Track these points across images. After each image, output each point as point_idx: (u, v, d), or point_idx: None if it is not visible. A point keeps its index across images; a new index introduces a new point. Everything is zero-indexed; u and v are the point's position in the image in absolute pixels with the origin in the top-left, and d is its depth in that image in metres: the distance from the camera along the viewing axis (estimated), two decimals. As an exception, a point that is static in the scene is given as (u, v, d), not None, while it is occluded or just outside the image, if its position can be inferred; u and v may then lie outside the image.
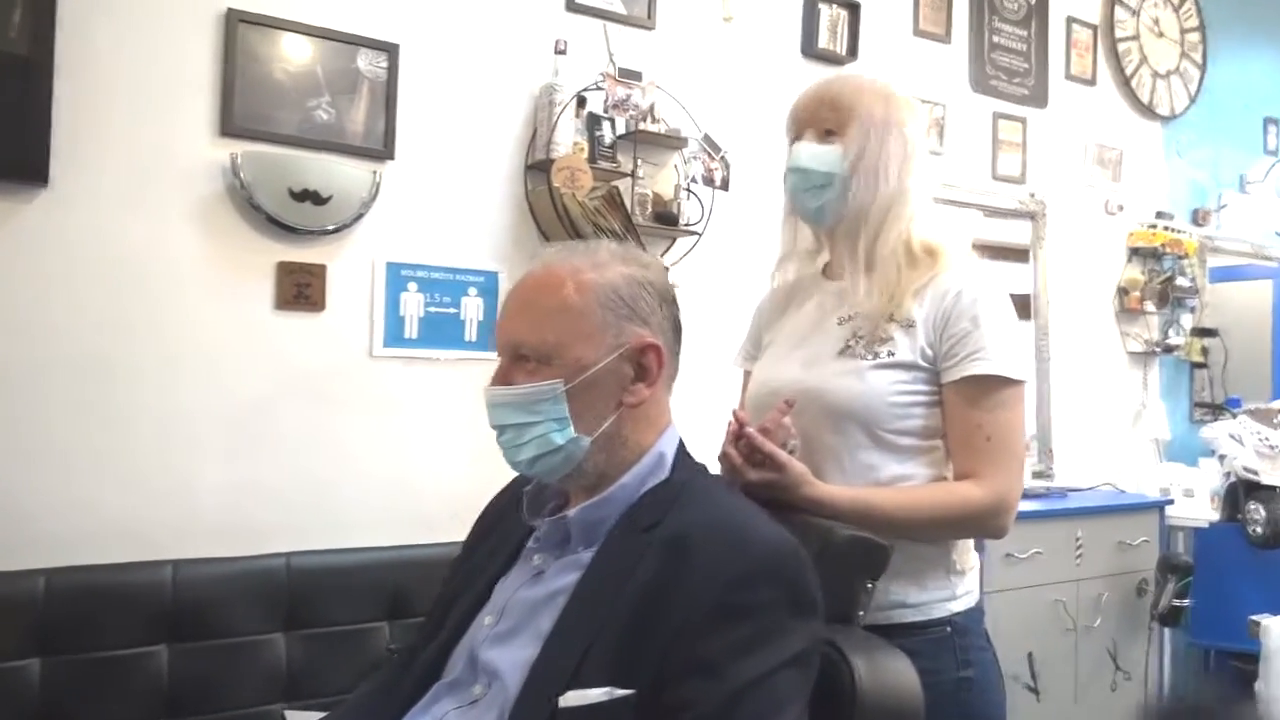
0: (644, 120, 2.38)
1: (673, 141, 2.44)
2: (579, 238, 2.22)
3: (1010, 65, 3.29)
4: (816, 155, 1.33)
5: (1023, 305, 3.34)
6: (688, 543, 0.97)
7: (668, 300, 1.12)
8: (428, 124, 2.21)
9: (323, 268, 2.07)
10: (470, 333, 2.26)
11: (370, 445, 2.13)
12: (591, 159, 2.32)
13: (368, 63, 2.12)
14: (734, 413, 1.31)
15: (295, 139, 2.03)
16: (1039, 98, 3.36)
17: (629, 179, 2.38)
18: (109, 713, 1.80)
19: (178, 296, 1.93)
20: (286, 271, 2.03)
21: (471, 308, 2.26)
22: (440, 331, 2.22)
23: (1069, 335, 3.41)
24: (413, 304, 2.19)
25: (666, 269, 1.20)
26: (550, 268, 1.07)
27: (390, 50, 2.14)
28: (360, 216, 2.09)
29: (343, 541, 2.07)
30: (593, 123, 2.36)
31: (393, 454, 2.15)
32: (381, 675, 1.21)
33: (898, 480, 1.29)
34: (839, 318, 1.36)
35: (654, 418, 1.10)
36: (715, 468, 1.23)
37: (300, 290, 2.05)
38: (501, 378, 1.06)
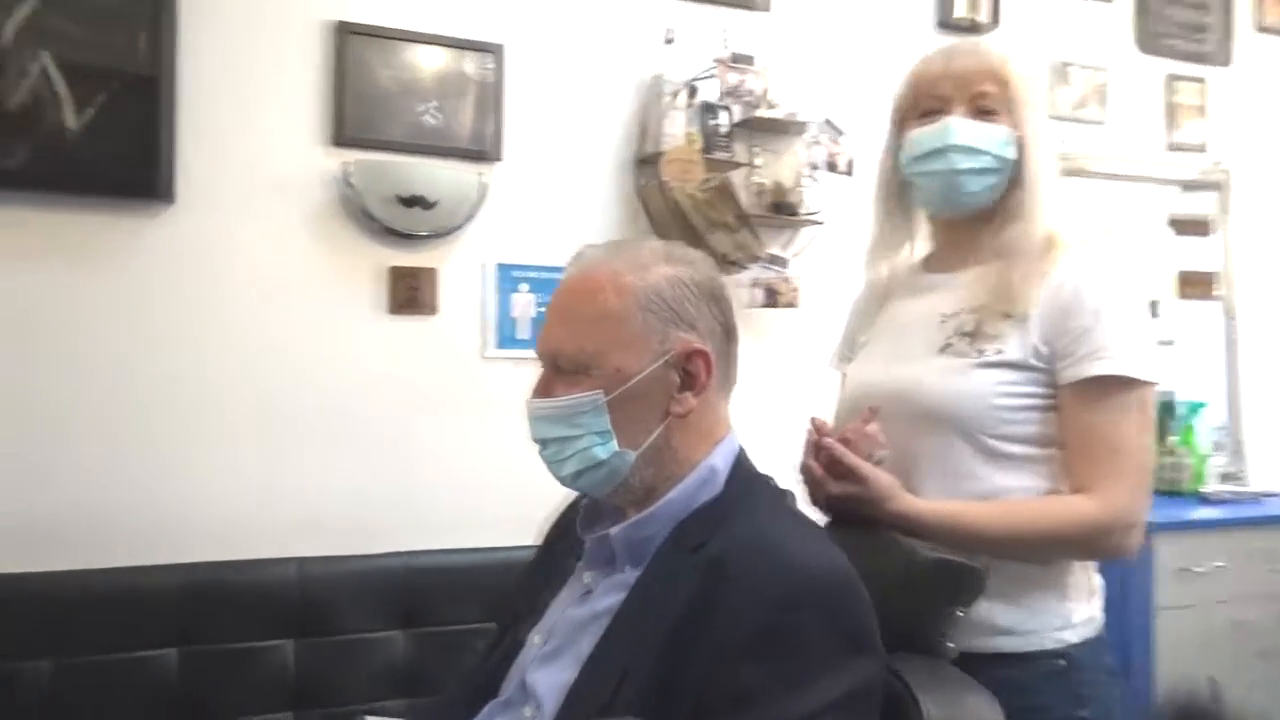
0: (759, 106, 2.27)
1: (791, 126, 2.32)
2: (691, 231, 2.15)
3: (1187, 20, 2.95)
4: (983, 134, 1.19)
5: (1204, 283, 2.99)
6: (727, 563, 0.89)
7: (717, 300, 1.03)
8: (534, 123, 2.19)
9: (434, 271, 2.10)
10: (583, 332, 2.23)
11: (483, 447, 2.14)
12: (706, 150, 2.24)
13: (474, 65, 2.13)
14: (812, 420, 1.20)
15: (404, 145, 2.06)
16: (1222, 55, 2.99)
17: (746, 168, 2.29)
18: (240, 703, 1.88)
19: (296, 304, 2.00)
20: (399, 276, 2.07)
21: (583, 307, 2.23)
22: (552, 332, 2.20)
23: (1261, 318, 3.03)
24: (524, 305, 2.18)
25: (714, 265, 1.10)
26: (587, 272, 1.01)
27: (495, 51, 2.14)
28: (469, 219, 2.10)
29: (459, 542, 2.08)
30: (706, 112, 2.27)
31: (505, 456, 2.14)
32: (445, 691, 1.19)
33: (1004, 494, 1.16)
34: (942, 314, 1.23)
35: (706, 428, 1.02)
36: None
37: (412, 294, 2.08)
38: (542, 389, 1.01)
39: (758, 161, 2.31)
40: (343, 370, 2.01)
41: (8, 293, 1.81)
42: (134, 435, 1.89)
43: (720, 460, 1.01)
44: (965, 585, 1.04)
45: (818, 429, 1.19)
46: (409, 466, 2.07)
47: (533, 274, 2.19)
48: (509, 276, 2.17)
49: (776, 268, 2.25)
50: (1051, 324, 1.15)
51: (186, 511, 1.93)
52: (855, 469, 1.12)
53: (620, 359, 0.97)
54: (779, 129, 2.32)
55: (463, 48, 2.12)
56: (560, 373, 0.99)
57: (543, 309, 2.15)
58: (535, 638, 1.03)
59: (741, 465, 1.03)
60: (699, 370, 0.99)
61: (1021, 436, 1.16)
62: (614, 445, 0.97)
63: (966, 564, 1.04)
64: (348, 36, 2.02)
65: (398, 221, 2.02)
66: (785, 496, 1.03)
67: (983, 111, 1.20)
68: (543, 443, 1.01)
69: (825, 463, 1.15)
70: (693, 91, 2.24)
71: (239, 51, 1.96)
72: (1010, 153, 1.19)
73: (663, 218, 2.21)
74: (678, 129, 2.19)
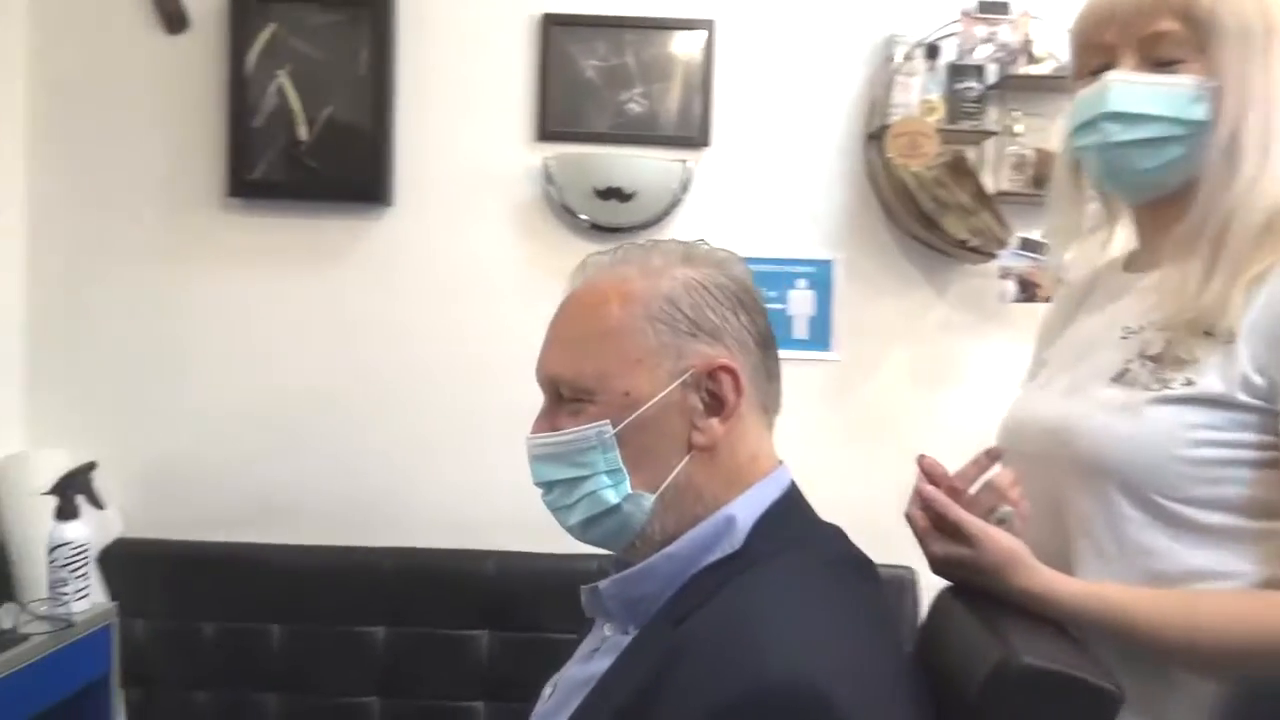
0: (1018, 62, 1.90)
1: (1059, 83, 1.91)
2: (920, 215, 1.86)
3: None
4: (1149, 95, 0.89)
5: None
6: (685, 651, 0.71)
7: (746, 307, 0.84)
8: (747, 102, 2.01)
9: (636, 266, 2.01)
10: (799, 329, 2.02)
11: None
12: (952, 118, 1.92)
13: (681, 46, 1.99)
14: (919, 460, 0.95)
15: (607, 135, 1.99)
16: None
17: (1002, 137, 1.93)
18: (439, 685, 1.95)
19: (505, 300, 2.01)
20: (600, 271, 2.01)
21: (800, 302, 2.02)
22: (764, 329, 2.02)
23: None
24: (733, 300, 2.02)
25: (744, 264, 0.89)
26: (591, 281, 0.86)
27: (706, 28, 1.99)
28: (670, 210, 1.99)
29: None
30: (953, 75, 1.95)
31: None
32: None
33: (1195, 578, 0.84)
34: (1124, 328, 0.92)
35: (739, 464, 0.83)
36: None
37: (614, 290, 2.01)
38: (542, 423, 0.86)
39: (1017, 129, 1.94)
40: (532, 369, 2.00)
41: (251, 289, 2.01)
42: (358, 423, 2.02)
43: (743, 508, 0.82)
44: (1084, 712, 0.75)
45: (926, 471, 0.94)
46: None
47: (744, 267, 2.02)
48: (717, 270, 2.02)
49: (1031, 254, 1.87)
50: (1271, 345, 0.80)
51: (406, 498, 2.03)
52: (962, 527, 0.86)
53: (628, 381, 0.81)
54: (1045, 87, 1.92)
55: (670, 28, 1.99)
56: (563, 402, 0.85)
57: None
58: (547, 689, 0.91)
59: (776, 515, 0.82)
60: (725, 390, 0.80)
61: (1224, 502, 0.83)
62: (627, 486, 0.81)
63: (1091, 683, 0.75)
64: (553, 28, 1.99)
65: (597, 215, 1.96)
66: (828, 565, 0.81)
67: (1160, 62, 0.87)
68: (545, 486, 0.86)
69: (933, 516, 0.90)
70: (931, 52, 1.93)
71: (450, 54, 2.00)
72: (1199, 112, 0.86)
73: (891, 201, 1.93)
74: (911, 97, 1.90)
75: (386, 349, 2.02)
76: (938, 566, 0.91)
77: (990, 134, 1.93)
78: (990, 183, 1.91)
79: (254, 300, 2.00)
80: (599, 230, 1.98)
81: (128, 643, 1.93)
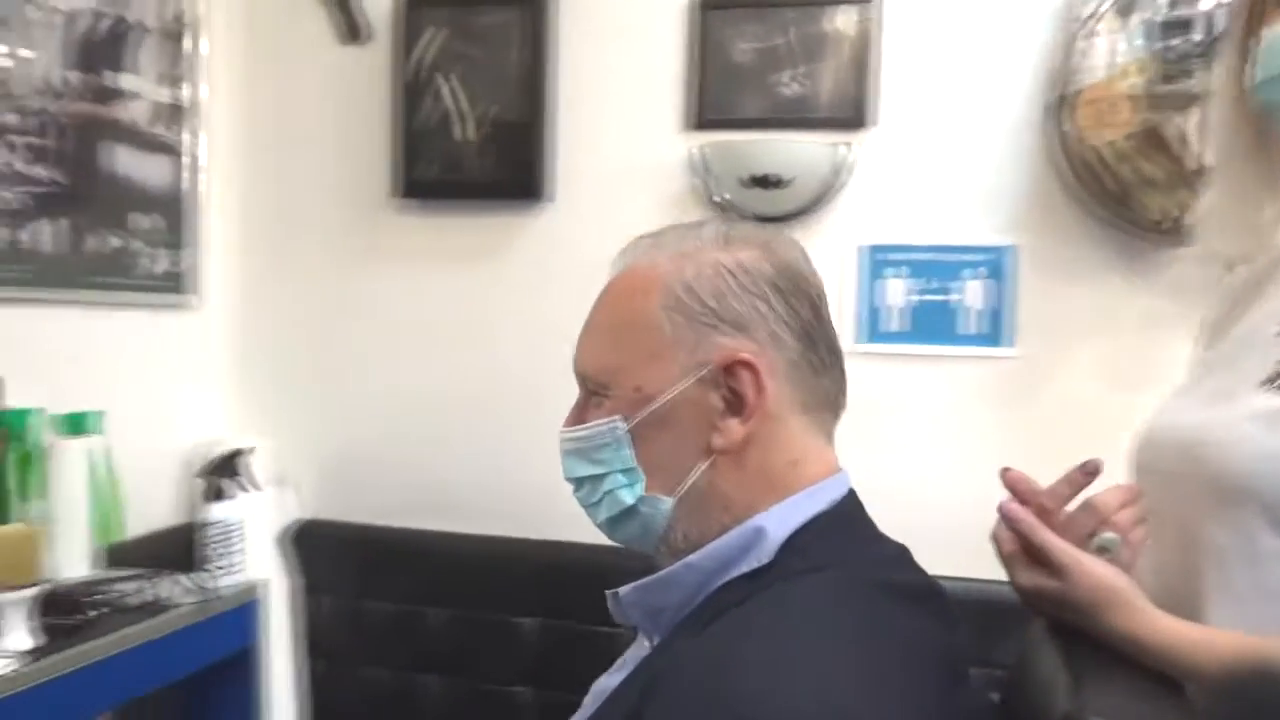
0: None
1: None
2: (1109, 193, 1.64)
3: None
4: None
5: None
6: (662, 680, 0.64)
7: (787, 293, 0.75)
8: (913, 77, 1.86)
9: (792, 257, 1.91)
10: (971, 323, 1.84)
11: (844, 452, 1.89)
12: (1153, 81, 1.67)
13: (843, 21, 1.87)
14: (1003, 474, 0.82)
15: (761, 121, 1.90)
16: None
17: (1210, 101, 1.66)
18: (586, 682, 1.96)
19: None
20: (753, 263, 1.93)
21: (973, 293, 1.84)
22: (932, 323, 1.86)
23: None
24: (896, 292, 1.88)
25: (795, 247, 0.79)
26: (628, 268, 0.82)
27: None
28: (828, 196, 1.87)
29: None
30: (1157, 31, 1.69)
31: (868, 463, 1.87)
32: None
33: None
34: None
35: (772, 471, 0.75)
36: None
37: (768, 282, 1.92)
38: (571, 417, 0.83)
39: (1237, 89, 1.66)
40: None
41: (419, 287, 2.10)
42: (521, 418, 2.06)
43: (776, 520, 0.73)
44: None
45: (1011, 486, 0.80)
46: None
47: (910, 256, 1.87)
48: (879, 260, 1.88)
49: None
50: None
51: (555, 491, 2.05)
52: (1050, 554, 0.73)
53: (642, 375, 0.76)
54: (1274, 38, 1.63)
55: (832, 2, 1.88)
56: (591, 396, 0.81)
57: (919, 297, 1.85)
58: (587, 697, 0.87)
59: (817, 530, 0.73)
60: (745, 388, 0.73)
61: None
62: (641, 488, 0.76)
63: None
64: (707, 13, 1.93)
65: (748, 204, 1.88)
66: (868, 590, 0.70)
67: None
68: (574, 483, 0.82)
69: (1022, 539, 0.77)
70: (1125, 7, 1.68)
71: (604, 46, 1.99)
72: None
73: (1075, 179, 1.71)
74: (1099, 60, 1.67)
75: (546, 345, 2.04)
76: (1026, 598, 0.78)
77: (1197, 98, 1.66)
78: (1199, 155, 1.65)
79: (422, 297, 2.09)
80: (753, 221, 1.90)
81: (313, 617, 2.09)
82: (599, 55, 2.00)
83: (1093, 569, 0.72)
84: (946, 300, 1.85)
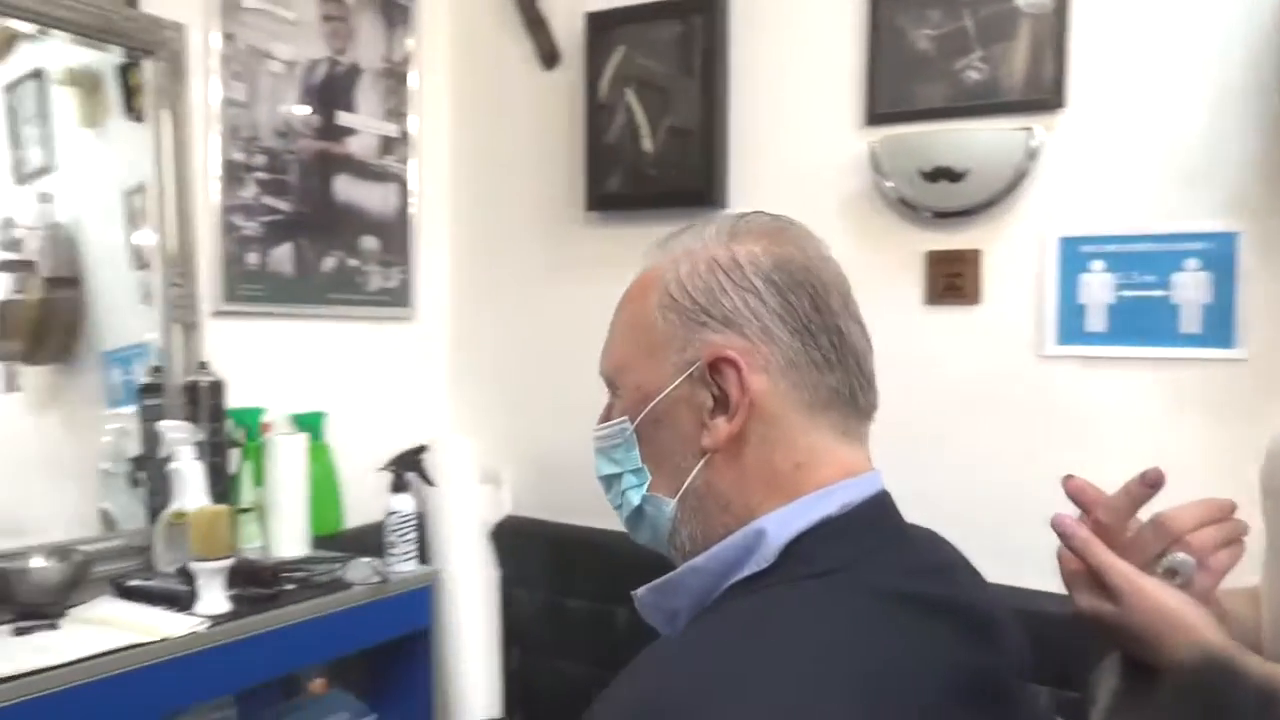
0: None
1: None
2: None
3: None
4: None
5: None
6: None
7: (783, 287, 0.72)
8: (1112, 51, 1.67)
9: (977, 254, 1.78)
10: (1188, 322, 1.63)
11: (1039, 464, 1.73)
12: None
13: (1030, -4, 1.73)
14: (1065, 482, 0.73)
15: (941, 110, 1.79)
16: None
17: None
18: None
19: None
20: (935, 262, 1.82)
21: (1190, 286, 1.63)
22: (1140, 322, 1.66)
23: None
24: (1098, 288, 1.69)
25: (807, 239, 0.75)
26: (642, 269, 0.82)
27: (1059, -30, 1.70)
28: (1014, 186, 1.73)
29: (1009, 575, 1.74)
30: None
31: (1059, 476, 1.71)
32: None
33: None
34: None
35: (775, 472, 0.72)
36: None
37: (950, 282, 1.80)
38: (600, 417, 0.84)
39: None
40: (880, 369, 1.86)
41: (606, 297, 2.17)
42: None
43: (779, 522, 0.70)
44: None
45: (1073, 495, 0.72)
46: (941, 475, 1.81)
47: (1112, 247, 1.68)
48: (1076, 253, 1.71)
49: None
50: None
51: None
52: (1105, 576, 0.65)
53: (642, 374, 0.76)
54: None
55: (1018, -22, 1.74)
56: (612, 397, 0.82)
57: (1125, 293, 1.69)
58: None
59: (825, 534, 0.70)
60: (729, 385, 0.71)
61: None
62: (646, 488, 0.76)
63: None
64: (881, 4, 1.85)
65: (926, 199, 1.78)
66: (872, 598, 0.66)
67: None
68: (603, 483, 0.83)
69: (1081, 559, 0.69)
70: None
71: (778, 46, 1.97)
72: None
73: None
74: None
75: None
76: (1085, 623, 0.69)
77: None
78: None
79: (609, 308, 2.17)
80: (936, 217, 1.80)
81: (511, 608, 2.22)
82: (772, 55, 1.98)
83: (1153, 594, 0.62)
84: (1157, 296, 1.65)
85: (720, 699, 0.56)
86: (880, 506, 0.74)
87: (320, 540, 1.82)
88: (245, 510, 1.69)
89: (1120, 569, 0.64)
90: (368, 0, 2.18)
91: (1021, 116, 1.73)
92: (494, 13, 2.31)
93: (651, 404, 0.75)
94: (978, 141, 1.73)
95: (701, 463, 0.73)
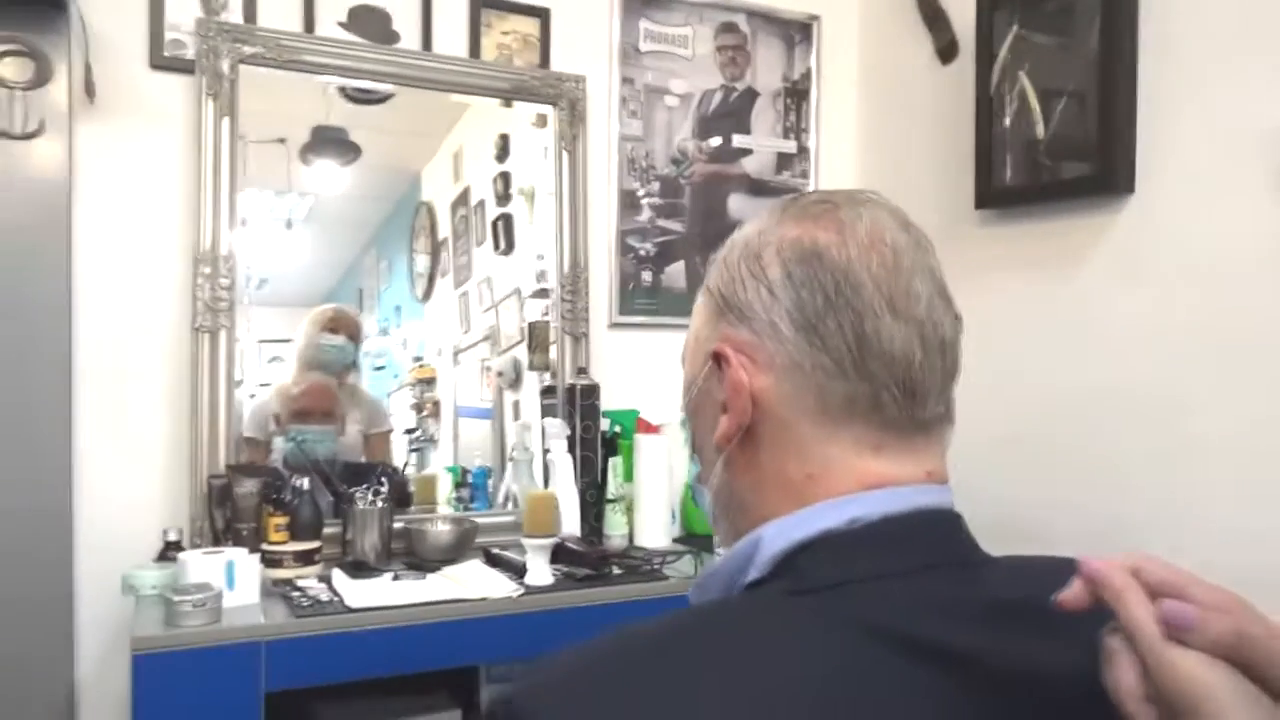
0: None
1: None
2: None
3: None
4: None
5: None
6: None
7: (801, 280, 0.64)
8: None
9: None
10: None
11: None
12: None
13: None
14: (1082, 569, 0.54)
15: None
16: None
17: None
18: None
19: (1268, 289, 1.51)
20: None
21: None
22: None
23: None
24: None
25: (837, 223, 0.62)
26: None
27: None
28: None
29: None
30: None
31: None
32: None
33: None
34: None
35: (786, 479, 0.66)
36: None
37: None
38: None
39: None
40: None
41: (997, 300, 1.96)
42: (1104, 434, 1.78)
43: (778, 531, 0.63)
44: None
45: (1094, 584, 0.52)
46: None
47: None
48: None
49: None
50: None
51: (1116, 515, 1.71)
52: (1162, 680, 0.48)
53: (689, 363, 0.75)
54: None
55: None
56: None
57: None
58: None
59: (824, 548, 0.61)
60: (725, 381, 0.66)
61: None
62: (691, 477, 0.76)
63: None
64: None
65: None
66: (850, 631, 0.56)
67: None
68: None
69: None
70: None
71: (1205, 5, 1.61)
72: None
73: None
74: None
75: (1132, 353, 1.73)
76: None
77: None
78: None
79: (999, 311, 1.96)
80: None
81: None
82: (1197, 21, 1.62)
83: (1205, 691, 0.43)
84: None
85: (581, 700, 0.54)
86: (914, 525, 0.62)
87: (690, 538, 1.94)
88: (612, 501, 1.88)
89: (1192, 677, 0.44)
90: (766, 25, 2.28)
91: None
92: (894, 13, 2.24)
93: (691, 394, 0.73)
94: None
95: (721, 460, 0.69)
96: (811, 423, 0.63)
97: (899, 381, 0.62)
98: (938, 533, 0.63)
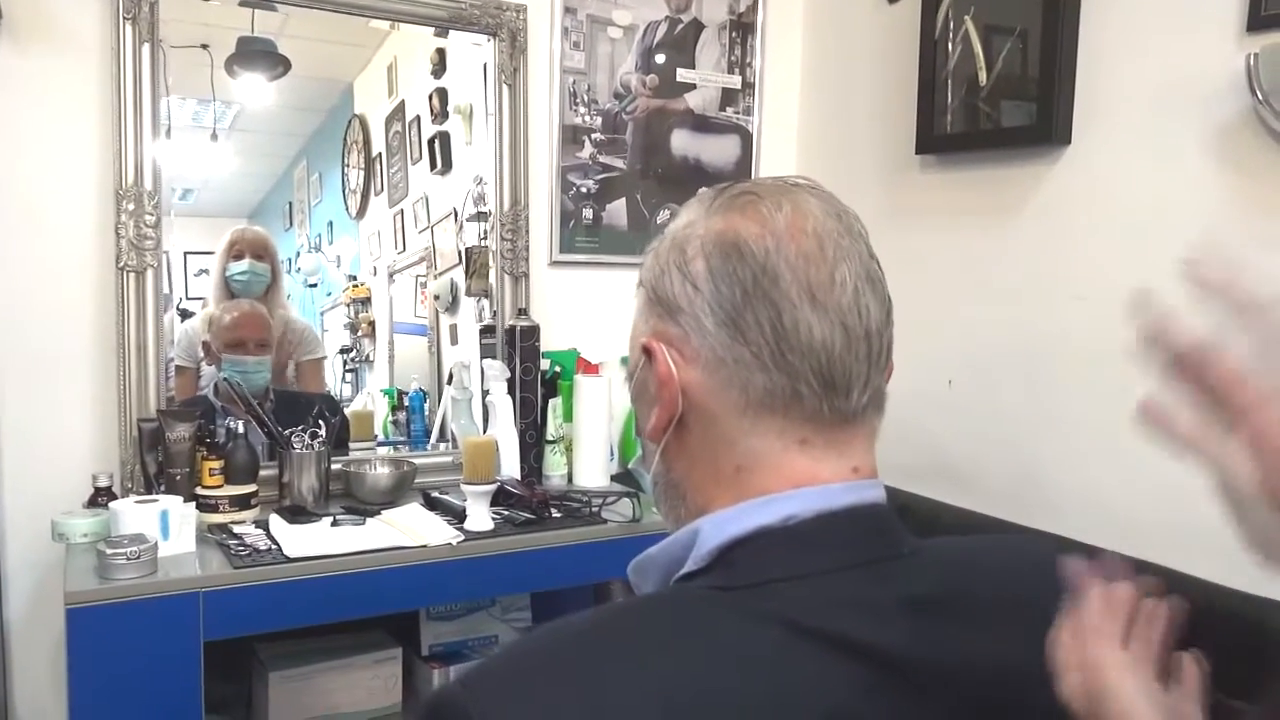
0: None
1: None
2: None
3: None
4: None
5: None
6: None
7: (721, 274, 0.66)
8: None
9: (1395, 195, 1.31)
10: None
11: None
12: None
13: None
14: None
15: (1355, 4, 1.33)
16: None
17: None
18: None
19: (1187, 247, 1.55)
20: (1331, 207, 1.37)
21: None
22: None
23: None
24: None
25: (812, 217, 0.63)
26: None
27: None
28: None
29: None
30: None
31: None
32: None
33: None
34: None
35: (720, 473, 0.68)
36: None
37: (1353, 234, 1.35)
38: None
39: None
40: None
41: (931, 246, 1.99)
42: (1024, 390, 1.84)
43: (717, 524, 0.65)
44: None
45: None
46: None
47: None
48: None
49: None
50: None
51: (1058, 479, 1.78)
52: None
53: (630, 354, 0.75)
54: None
55: None
56: None
57: None
58: None
59: (754, 545, 0.63)
60: (654, 374, 0.68)
61: None
62: (634, 460, 0.77)
63: None
64: None
65: (1319, 126, 1.35)
66: (772, 626, 0.58)
67: None
68: None
69: None
70: None
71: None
72: None
73: None
74: None
75: (1056, 310, 1.78)
76: None
77: None
78: None
79: (933, 258, 1.99)
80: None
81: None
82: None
83: None
84: None
85: (510, 693, 0.56)
86: (846, 523, 0.64)
87: (629, 476, 1.97)
88: (551, 442, 1.90)
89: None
90: (713, -45, 2.22)
91: None
92: (842, -53, 2.21)
93: (629, 382, 0.74)
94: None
95: (658, 450, 0.70)
96: (737, 416, 0.64)
97: (817, 372, 0.63)
98: (868, 529, 0.65)
